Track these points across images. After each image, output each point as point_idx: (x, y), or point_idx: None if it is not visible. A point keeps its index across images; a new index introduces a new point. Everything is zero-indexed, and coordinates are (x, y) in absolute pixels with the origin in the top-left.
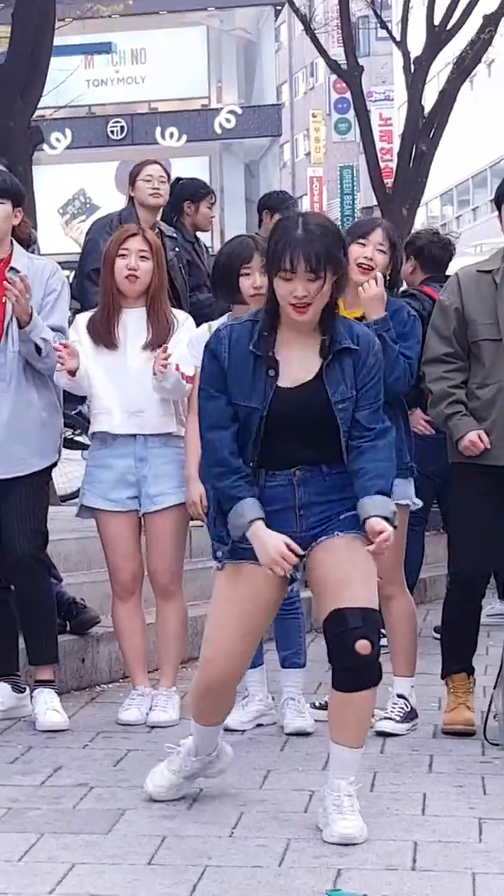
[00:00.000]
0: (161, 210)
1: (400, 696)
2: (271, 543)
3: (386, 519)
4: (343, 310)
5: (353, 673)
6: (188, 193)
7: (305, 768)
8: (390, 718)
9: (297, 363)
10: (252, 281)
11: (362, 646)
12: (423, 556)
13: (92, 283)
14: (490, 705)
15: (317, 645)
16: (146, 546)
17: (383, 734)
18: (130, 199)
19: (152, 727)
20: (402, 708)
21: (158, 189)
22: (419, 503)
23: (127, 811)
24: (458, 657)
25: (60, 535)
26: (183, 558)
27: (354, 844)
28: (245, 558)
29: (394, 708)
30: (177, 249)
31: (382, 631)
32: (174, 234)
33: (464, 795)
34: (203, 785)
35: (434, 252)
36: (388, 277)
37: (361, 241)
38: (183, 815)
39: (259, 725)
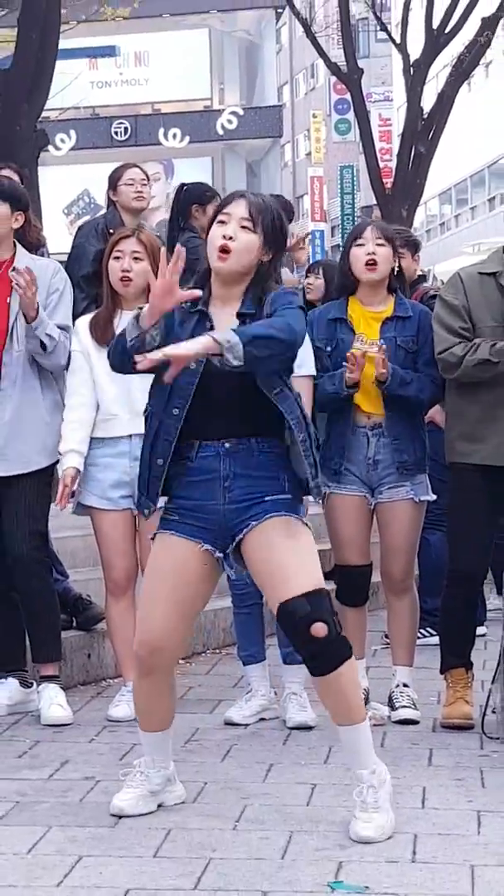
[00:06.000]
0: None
1: (406, 685)
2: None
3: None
4: (361, 309)
5: (321, 658)
6: (195, 197)
7: (308, 762)
8: (408, 707)
9: (225, 323)
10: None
11: (317, 629)
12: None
13: (80, 291)
14: (488, 699)
15: None
16: (139, 545)
17: (407, 721)
18: (112, 202)
19: None
20: (410, 696)
21: (141, 192)
22: (433, 497)
23: None
24: (456, 652)
25: (67, 533)
26: None
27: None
28: (170, 529)
29: (400, 696)
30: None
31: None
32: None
33: (463, 788)
34: (207, 779)
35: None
36: (395, 273)
37: (359, 241)
38: (187, 808)
39: (262, 720)
